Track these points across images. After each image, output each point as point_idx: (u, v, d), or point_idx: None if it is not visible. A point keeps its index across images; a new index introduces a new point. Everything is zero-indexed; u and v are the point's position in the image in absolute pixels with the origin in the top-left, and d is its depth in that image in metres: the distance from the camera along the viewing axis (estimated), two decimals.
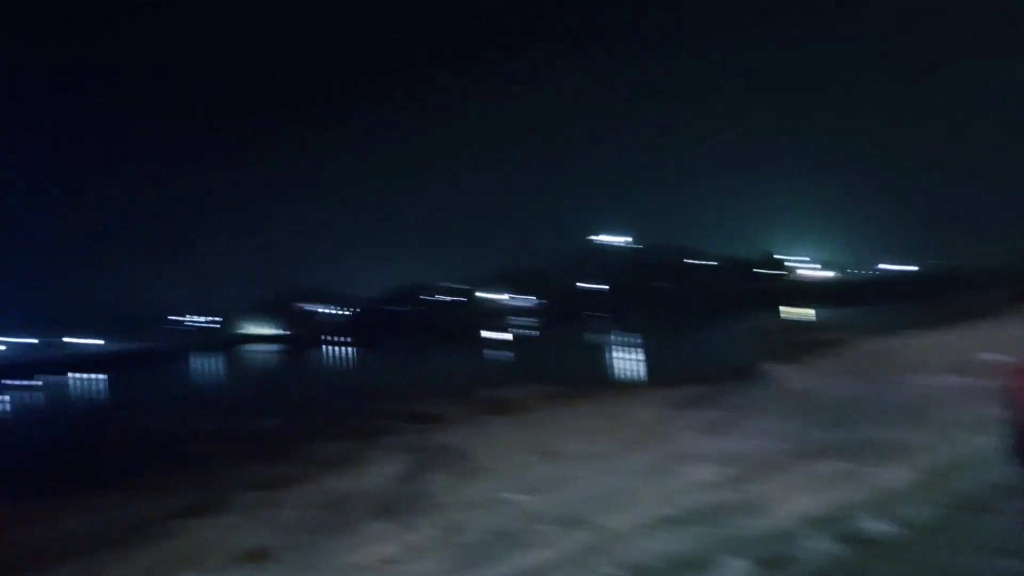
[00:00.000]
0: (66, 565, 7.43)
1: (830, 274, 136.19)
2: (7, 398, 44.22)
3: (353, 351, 65.28)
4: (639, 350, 31.29)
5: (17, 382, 52.27)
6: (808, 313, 50.75)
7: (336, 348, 71.30)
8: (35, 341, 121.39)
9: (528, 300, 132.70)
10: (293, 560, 6.63)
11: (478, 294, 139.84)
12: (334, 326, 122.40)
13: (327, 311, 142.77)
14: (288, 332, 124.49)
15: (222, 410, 23.48)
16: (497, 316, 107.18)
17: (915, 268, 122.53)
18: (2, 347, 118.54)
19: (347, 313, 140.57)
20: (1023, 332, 11.89)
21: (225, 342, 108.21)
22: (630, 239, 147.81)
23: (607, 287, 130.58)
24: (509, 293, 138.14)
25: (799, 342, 17.17)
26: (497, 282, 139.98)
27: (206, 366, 63.21)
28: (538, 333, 64.86)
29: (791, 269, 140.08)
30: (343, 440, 13.16)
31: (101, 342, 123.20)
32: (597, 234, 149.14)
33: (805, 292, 77.28)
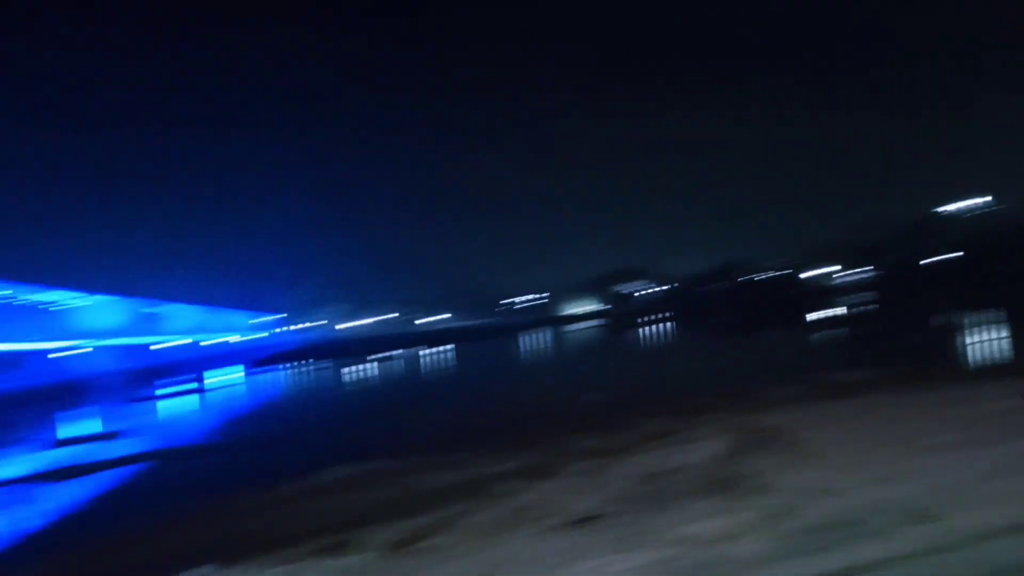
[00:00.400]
0: (427, 514, 8.50)
1: None
2: (372, 367, 51.24)
3: (672, 329, 65.34)
4: (1003, 331, 27.21)
5: (379, 354, 60.57)
6: None
7: (655, 326, 71.90)
8: (395, 315, 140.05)
9: (862, 274, 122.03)
10: (623, 527, 6.94)
11: (805, 270, 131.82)
12: (653, 304, 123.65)
13: (646, 290, 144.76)
14: (608, 310, 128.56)
15: (548, 382, 24.91)
16: (827, 293, 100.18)
17: None
18: (368, 321, 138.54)
19: (665, 291, 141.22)
20: None
21: (551, 320, 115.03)
22: (989, 199, 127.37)
23: (960, 256, 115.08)
24: (840, 268, 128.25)
25: None
26: (827, 256, 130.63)
27: (535, 342, 67.50)
28: (874, 310, 59.42)
29: None
30: (667, 416, 13.32)
31: (448, 316, 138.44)
32: (946, 200, 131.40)
33: None
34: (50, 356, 49.37)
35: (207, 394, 41.62)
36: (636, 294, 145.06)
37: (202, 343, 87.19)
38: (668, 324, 73.28)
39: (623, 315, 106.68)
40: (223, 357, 75.07)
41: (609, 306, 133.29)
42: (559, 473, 9.92)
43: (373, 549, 7.47)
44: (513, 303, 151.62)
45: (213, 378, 51.80)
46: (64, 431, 26.76)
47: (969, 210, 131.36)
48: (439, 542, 7.37)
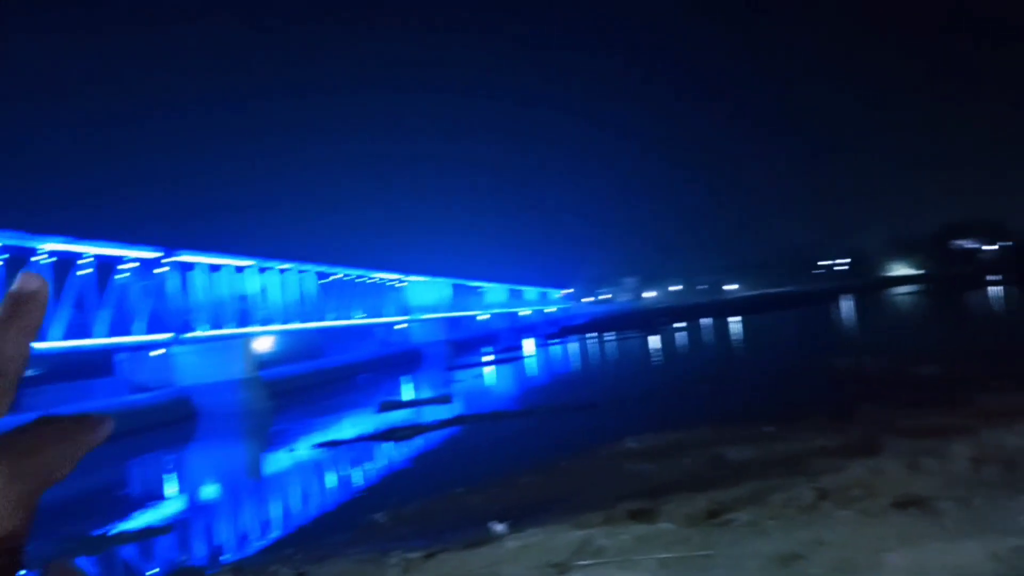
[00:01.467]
0: (738, 486, 8.43)
1: None
2: (678, 335, 51.17)
3: (1010, 292, 56.62)
4: None
5: (676, 324, 60.38)
6: None
7: (993, 287, 62.85)
8: (703, 286, 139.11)
9: None
10: (952, 514, 6.35)
11: None
12: (989, 264, 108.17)
13: (981, 247, 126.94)
14: (934, 271, 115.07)
15: (872, 352, 23.05)
16: None
17: None
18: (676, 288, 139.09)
19: (1002, 249, 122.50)
20: None
21: (869, 284, 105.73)
22: None
23: None
24: None
25: None
26: None
27: (853, 308, 62.71)
28: None
29: None
30: (1013, 392, 11.78)
31: (736, 286, 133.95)
32: None
33: None
34: (395, 328, 56.31)
35: (525, 360, 44.67)
36: (969, 252, 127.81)
37: (520, 313, 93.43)
38: (1006, 286, 63.52)
39: (953, 276, 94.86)
40: (536, 327, 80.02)
41: (934, 268, 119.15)
42: (884, 451, 9.24)
43: (682, 518, 7.57)
44: (832, 266, 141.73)
45: (528, 347, 55.40)
46: (407, 394, 30.42)
47: None
48: (751, 516, 7.25)
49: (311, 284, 44.42)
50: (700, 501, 8.01)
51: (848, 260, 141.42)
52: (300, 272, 43.22)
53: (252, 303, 38.09)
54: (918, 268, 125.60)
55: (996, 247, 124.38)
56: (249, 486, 16.76)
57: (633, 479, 10.01)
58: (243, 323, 36.06)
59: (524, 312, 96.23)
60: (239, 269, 37.53)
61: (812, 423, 11.82)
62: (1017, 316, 40.54)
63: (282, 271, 41.32)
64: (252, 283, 38.55)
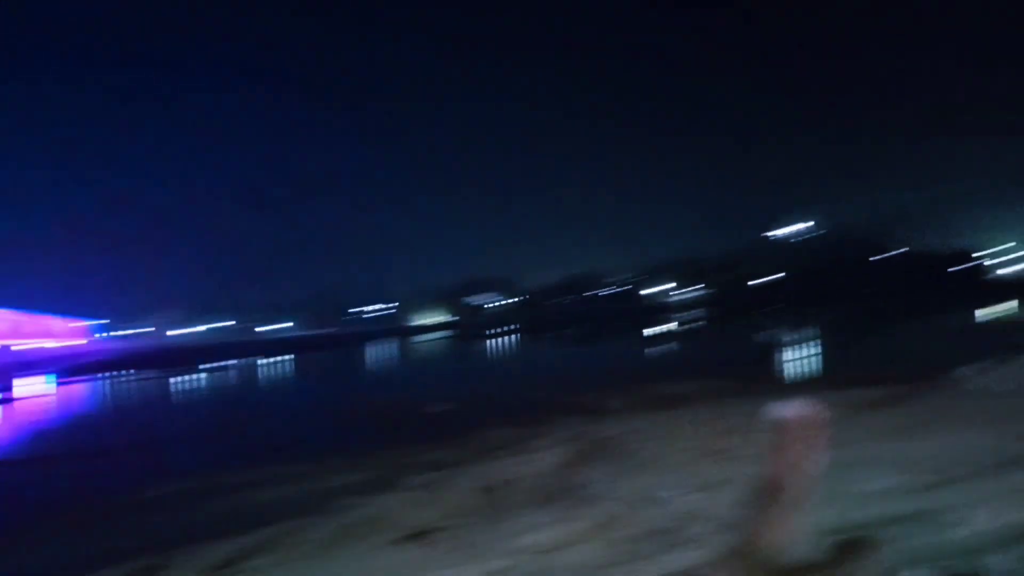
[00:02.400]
0: (254, 532, 8.09)
1: None
2: (202, 377, 48.71)
3: (518, 341, 66.46)
4: (815, 346, 29.65)
5: (212, 364, 57.55)
6: (1011, 308, 45.75)
7: (502, 338, 72.85)
8: (232, 323, 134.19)
9: (696, 292, 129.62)
10: (457, 540, 6.90)
11: (644, 285, 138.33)
12: (501, 316, 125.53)
13: (494, 301, 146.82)
14: (457, 321, 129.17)
15: (393, 394, 24.65)
16: (664, 308, 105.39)
17: None
18: (203, 328, 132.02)
19: (514, 303, 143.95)
20: None
21: (398, 330, 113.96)
22: (812, 224, 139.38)
23: (783, 277, 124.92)
24: (678, 285, 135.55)
25: (996, 343, 15.65)
26: (665, 273, 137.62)
27: (383, 352, 66.58)
28: (707, 326, 63.06)
29: (987, 263, 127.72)
30: (508, 427, 13.47)
31: (290, 324, 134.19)
32: (776, 225, 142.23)
33: (1005, 288, 69.87)
34: None
35: (14, 404, 37.95)
36: (486, 306, 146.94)
37: (13, 347, 79.74)
38: (516, 336, 74.44)
39: (472, 326, 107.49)
40: (35, 364, 68.88)
41: (459, 317, 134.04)
42: (398, 486, 9.76)
43: (191, 572, 7.02)
44: (362, 312, 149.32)
45: (23, 386, 47.32)
46: None
47: (795, 235, 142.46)
48: (262, 563, 7.03)
49: None
50: (212, 552, 7.51)
51: (382, 306, 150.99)
52: None
53: None
54: (445, 316, 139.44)
55: (509, 300, 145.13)
56: None
57: (142, 533, 9.01)
58: None
59: (40, 344, 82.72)
60: None
61: (335, 462, 12.03)
62: (522, 360, 47.15)
63: None
64: None
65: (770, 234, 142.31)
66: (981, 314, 43.98)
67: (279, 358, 64.68)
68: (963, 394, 12.61)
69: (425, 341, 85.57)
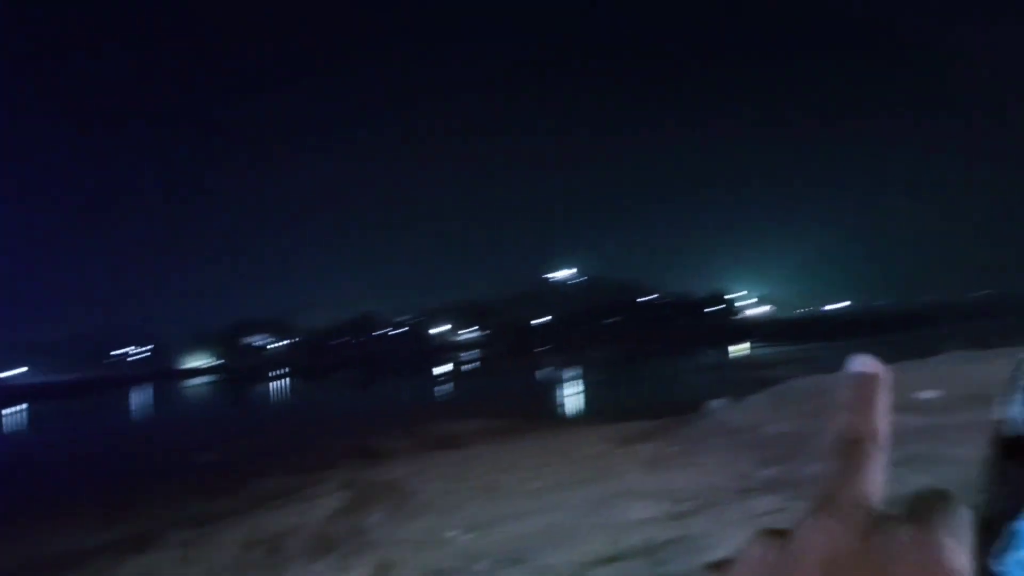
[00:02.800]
0: None
1: (766, 309, 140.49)
2: None
3: (296, 384, 64.06)
4: (585, 385, 31.37)
5: None
6: (744, 348, 52.01)
7: (278, 380, 69.83)
8: None
9: (475, 333, 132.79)
10: None
11: (425, 327, 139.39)
12: (276, 358, 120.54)
13: (270, 343, 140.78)
14: (229, 363, 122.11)
15: (159, 443, 22.72)
16: (444, 349, 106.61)
17: (848, 304, 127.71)
18: None
19: (290, 344, 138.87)
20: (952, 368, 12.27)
21: (165, 374, 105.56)
22: (575, 271, 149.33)
23: (553, 321, 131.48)
24: (457, 326, 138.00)
25: (742, 379, 17.39)
26: (445, 315, 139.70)
27: (144, 398, 61.33)
28: (485, 366, 64.62)
29: (735, 306, 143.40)
30: (283, 475, 12.87)
31: (25, 369, 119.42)
32: (551, 270, 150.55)
33: (749, 329, 78.50)
34: None
35: None
36: (262, 347, 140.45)
37: None
38: (292, 378, 71.57)
39: (244, 369, 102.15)
40: None
41: (228, 360, 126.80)
42: (161, 543, 8.93)
43: None
44: (127, 355, 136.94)
45: None
46: None
47: (566, 280, 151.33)
48: None
49: None
50: None
51: (146, 348, 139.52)
52: None
53: None
54: (215, 359, 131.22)
55: (284, 342, 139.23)
56: None
57: None
58: None
59: None
60: None
61: (91, 521, 10.83)
62: (300, 403, 45.35)
63: None
64: None
65: (548, 276, 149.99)
66: (732, 350, 49.31)
67: (18, 408, 57.33)
68: (715, 426, 13.83)
69: (194, 385, 79.98)
